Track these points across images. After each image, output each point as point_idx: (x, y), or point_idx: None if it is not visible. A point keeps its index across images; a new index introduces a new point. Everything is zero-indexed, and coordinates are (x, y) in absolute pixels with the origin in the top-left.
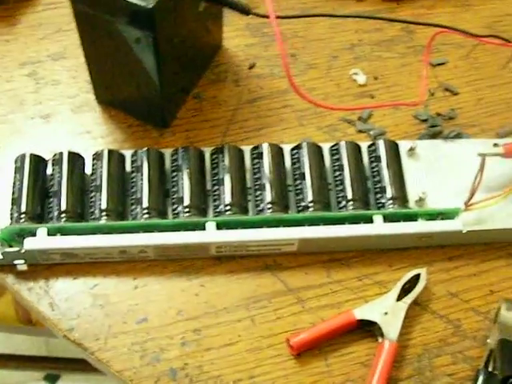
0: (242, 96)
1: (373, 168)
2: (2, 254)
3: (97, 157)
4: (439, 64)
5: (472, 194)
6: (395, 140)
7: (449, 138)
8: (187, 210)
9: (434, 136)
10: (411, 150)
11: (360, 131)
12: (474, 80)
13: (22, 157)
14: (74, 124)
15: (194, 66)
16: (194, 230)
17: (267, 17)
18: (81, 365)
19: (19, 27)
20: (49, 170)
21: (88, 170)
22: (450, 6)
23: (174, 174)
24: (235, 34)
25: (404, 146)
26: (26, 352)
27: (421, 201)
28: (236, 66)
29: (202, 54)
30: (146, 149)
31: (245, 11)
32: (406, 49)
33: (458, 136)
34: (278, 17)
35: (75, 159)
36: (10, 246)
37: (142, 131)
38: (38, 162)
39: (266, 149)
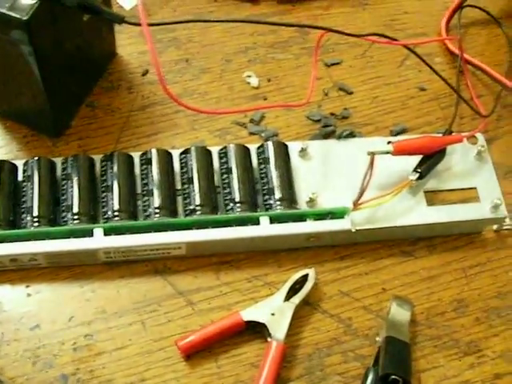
0: (134, 103)
1: (261, 170)
2: None
3: None
4: (334, 64)
5: (361, 193)
6: (286, 141)
7: (341, 137)
8: (76, 217)
9: (326, 136)
10: (302, 150)
11: (252, 133)
12: (370, 79)
13: None
14: None
15: (86, 75)
16: (83, 236)
17: (139, 24)
18: None
19: None
20: None
21: None
22: (347, 6)
23: (64, 182)
24: (129, 42)
25: (295, 146)
26: None
27: (311, 201)
28: (129, 73)
29: (93, 63)
30: (36, 158)
31: (117, 20)
32: (301, 50)
33: (351, 135)
34: (149, 24)
35: None
36: None
37: (36, 141)
38: None
39: (154, 154)
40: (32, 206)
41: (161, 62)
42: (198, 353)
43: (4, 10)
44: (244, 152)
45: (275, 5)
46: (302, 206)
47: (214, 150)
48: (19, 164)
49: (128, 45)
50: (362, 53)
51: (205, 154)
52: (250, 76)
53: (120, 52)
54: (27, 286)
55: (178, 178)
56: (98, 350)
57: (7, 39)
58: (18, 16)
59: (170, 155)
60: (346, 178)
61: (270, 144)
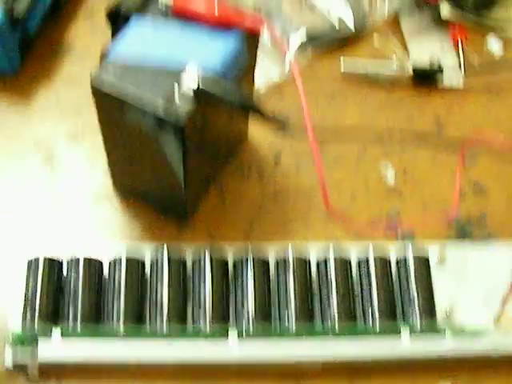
0: (266, 193)
1: (401, 281)
2: (14, 366)
3: (114, 263)
4: (470, 161)
5: (503, 309)
6: (421, 240)
7: (479, 242)
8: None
9: (462, 239)
10: (439, 255)
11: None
12: (506, 180)
13: (36, 261)
14: (90, 213)
15: (218, 159)
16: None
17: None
18: None
19: (33, 103)
20: (64, 271)
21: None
22: (484, 96)
23: (195, 281)
24: (259, 126)
25: (432, 250)
26: None
27: (447, 313)
28: (260, 159)
29: (227, 146)
30: (167, 257)
31: (281, 127)
32: (437, 143)
33: (488, 240)
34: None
35: (92, 265)
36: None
37: (162, 223)
38: (52, 265)
39: (291, 261)
40: (162, 306)
41: (293, 150)
42: None
43: (159, 112)
44: (385, 266)
45: (411, 88)
46: (438, 317)
47: (353, 254)
48: (146, 254)
49: (259, 128)
50: (497, 151)
51: (344, 264)
52: (385, 166)
53: (250, 135)
54: None
55: (314, 284)
56: None
57: (156, 132)
58: (173, 121)
59: (307, 263)
60: (482, 288)
61: (410, 257)
